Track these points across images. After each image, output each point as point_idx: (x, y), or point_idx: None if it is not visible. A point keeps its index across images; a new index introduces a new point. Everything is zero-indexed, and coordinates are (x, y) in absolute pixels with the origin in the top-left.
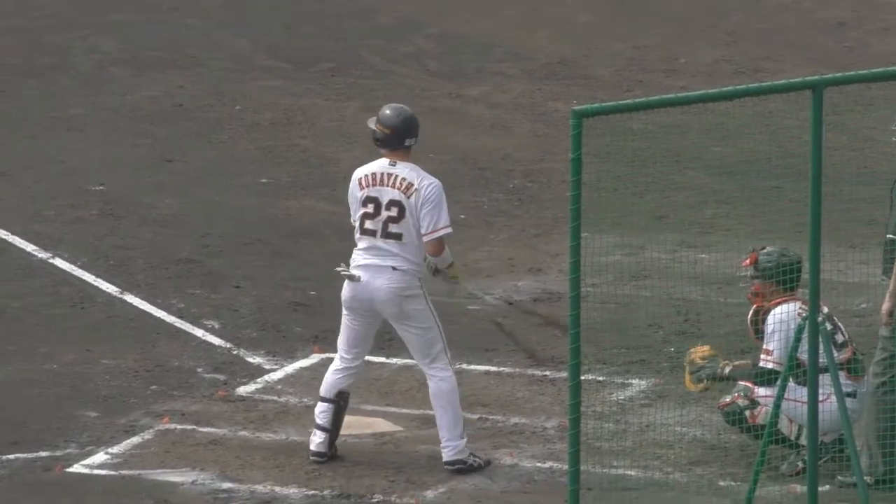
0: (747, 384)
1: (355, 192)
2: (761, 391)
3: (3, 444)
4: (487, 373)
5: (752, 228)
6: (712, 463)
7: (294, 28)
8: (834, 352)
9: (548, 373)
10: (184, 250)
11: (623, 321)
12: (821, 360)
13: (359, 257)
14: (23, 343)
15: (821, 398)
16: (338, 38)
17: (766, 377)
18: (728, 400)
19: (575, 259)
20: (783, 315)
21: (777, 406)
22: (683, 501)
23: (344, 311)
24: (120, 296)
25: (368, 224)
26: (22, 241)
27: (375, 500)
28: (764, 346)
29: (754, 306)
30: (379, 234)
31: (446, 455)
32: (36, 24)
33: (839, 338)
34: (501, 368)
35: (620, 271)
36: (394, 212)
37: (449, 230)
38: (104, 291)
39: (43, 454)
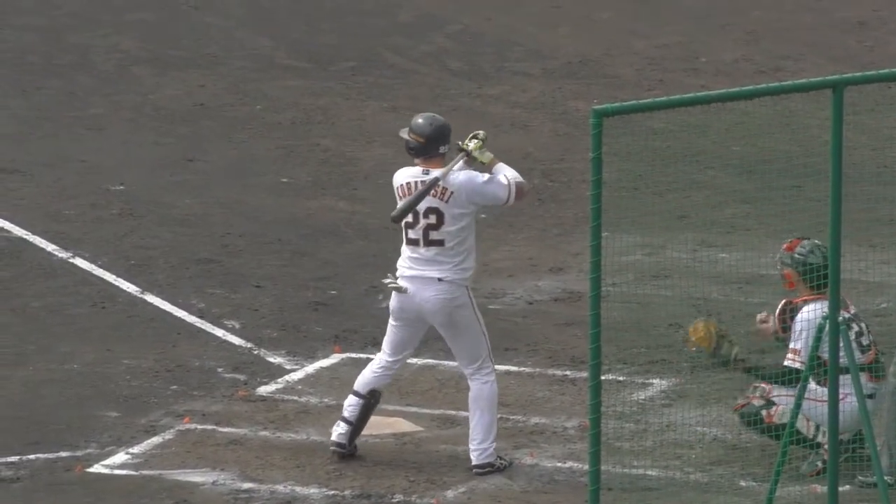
0: (762, 385)
1: (397, 198)
2: (777, 390)
3: (24, 444)
4: (508, 373)
5: (772, 228)
6: (733, 463)
7: (315, 26)
8: (858, 353)
9: (568, 373)
10: (204, 250)
11: (643, 321)
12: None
13: (405, 267)
14: (43, 343)
15: (839, 397)
16: (358, 37)
17: (790, 377)
18: (743, 401)
19: (595, 258)
20: (812, 315)
21: (798, 405)
22: (704, 501)
23: (391, 319)
24: (140, 295)
25: (411, 234)
26: (42, 240)
27: (396, 500)
28: (791, 346)
29: (783, 301)
30: (421, 242)
31: (477, 458)
32: (56, 22)
33: (864, 340)
34: (522, 368)
35: (641, 271)
36: (432, 219)
37: (508, 183)
38: (125, 291)
39: (63, 454)
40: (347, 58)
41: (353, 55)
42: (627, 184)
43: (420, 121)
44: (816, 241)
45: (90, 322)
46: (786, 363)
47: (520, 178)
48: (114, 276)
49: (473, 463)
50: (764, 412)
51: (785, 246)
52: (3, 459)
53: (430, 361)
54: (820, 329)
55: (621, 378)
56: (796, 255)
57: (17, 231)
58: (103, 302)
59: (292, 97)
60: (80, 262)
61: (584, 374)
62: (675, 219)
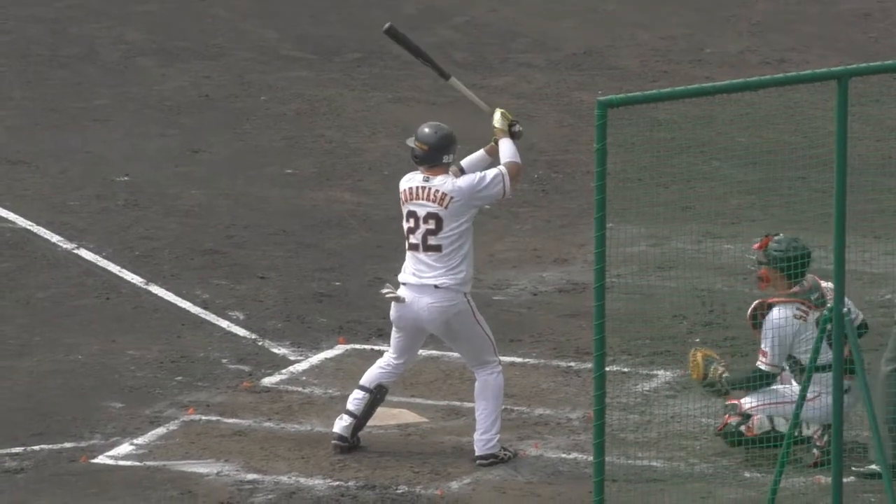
0: (733, 402)
1: (400, 203)
2: (747, 402)
3: (29, 435)
4: (512, 364)
5: (777, 219)
6: (737, 454)
7: (319, 18)
8: (830, 352)
9: (573, 364)
10: (209, 241)
11: (648, 312)
12: (822, 359)
13: (404, 273)
14: (48, 334)
15: (811, 396)
16: (363, 28)
17: (761, 380)
18: (722, 424)
19: (600, 249)
20: (780, 319)
21: (801, 399)
22: (708, 492)
23: (393, 326)
24: (145, 287)
25: (412, 238)
26: (47, 231)
27: (400, 490)
28: (761, 347)
29: (755, 302)
30: (421, 247)
31: (480, 449)
32: (62, 14)
33: None
34: (526, 359)
35: (645, 262)
36: (431, 224)
37: (502, 178)
38: (129, 282)
39: (68, 445)
40: (352, 49)
41: (357, 46)
42: (632, 175)
43: (426, 130)
44: (786, 236)
45: (95, 313)
46: (757, 364)
47: (513, 159)
48: (118, 268)
49: (477, 454)
50: (743, 427)
51: (756, 245)
52: (7, 450)
53: (435, 353)
54: (826, 321)
55: (626, 369)
56: (773, 252)
57: (22, 222)
58: (108, 293)
59: (297, 88)
60: (85, 254)
61: (589, 365)
62: (679, 210)
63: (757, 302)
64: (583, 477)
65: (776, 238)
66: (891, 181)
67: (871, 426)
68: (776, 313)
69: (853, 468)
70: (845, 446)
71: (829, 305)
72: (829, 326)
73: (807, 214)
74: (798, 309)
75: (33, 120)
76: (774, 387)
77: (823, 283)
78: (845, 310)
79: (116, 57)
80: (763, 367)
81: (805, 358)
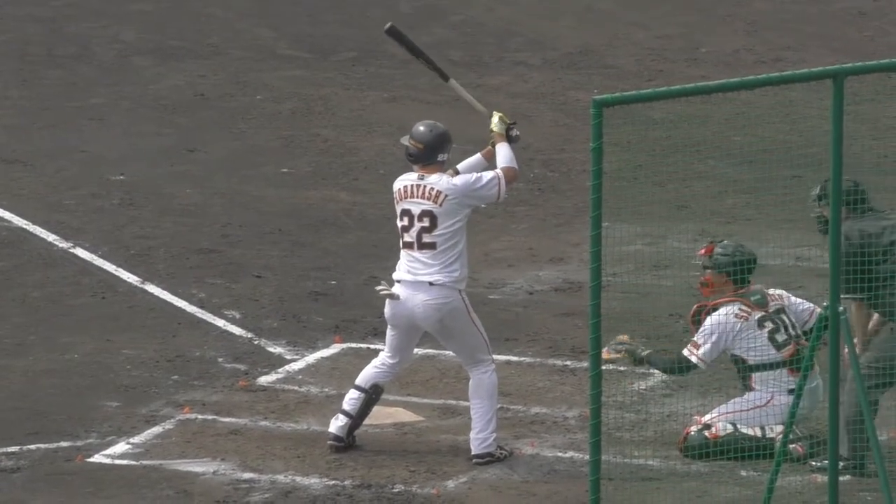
0: (694, 416)
1: (395, 203)
2: (707, 416)
3: (24, 435)
4: (508, 363)
5: (772, 218)
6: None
7: (315, 17)
8: (773, 350)
9: (569, 362)
10: (205, 240)
11: (644, 311)
12: (766, 357)
13: (399, 271)
14: (44, 333)
15: (768, 398)
16: (359, 27)
17: (680, 367)
18: (681, 437)
19: (596, 248)
20: (721, 317)
21: (798, 396)
22: (704, 491)
23: (388, 324)
24: (141, 286)
25: (406, 237)
26: (43, 230)
27: (396, 489)
28: (694, 339)
29: (696, 306)
30: (415, 245)
31: (476, 448)
32: (58, 13)
33: (780, 336)
34: (522, 358)
35: (641, 261)
36: (426, 222)
37: (498, 180)
38: (125, 281)
39: (64, 444)
40: (348, 48)
41: (353, 45)
42: (627, 174)
43: (421, 128)
44: (731, 241)
45: (90, 312)
46: (684, 352)
47: (510, 165)
48: (114, 267)
49: (473, 452)
50: (707, 433)
51: (702, 251)
52: (3, 449)
53: (431, 351)
54: (822, 319)
55: (622, 368)
56: (719, 257)
57: (18, 221)
58: (104, 292)
59: (293, 87)
60: (81, 253)
61: (585, 364)
62: (675, 209)
63: (696, 306)
64: (579, 476)
65: (722, 243)
66: (886, 180)
67: (868, 427)
68: (722, 310)
69: (812, 463)
70: (810, 441)
71: (774, 306)
72: (767, 325)
73: (802, 213)
74: (740, 308)
75: (29, 119)
76: (746, 395)
77: (771, 291)
78: (805, 306)
79: (112, 56)
80: (690, 356)
81: (749, 356)
